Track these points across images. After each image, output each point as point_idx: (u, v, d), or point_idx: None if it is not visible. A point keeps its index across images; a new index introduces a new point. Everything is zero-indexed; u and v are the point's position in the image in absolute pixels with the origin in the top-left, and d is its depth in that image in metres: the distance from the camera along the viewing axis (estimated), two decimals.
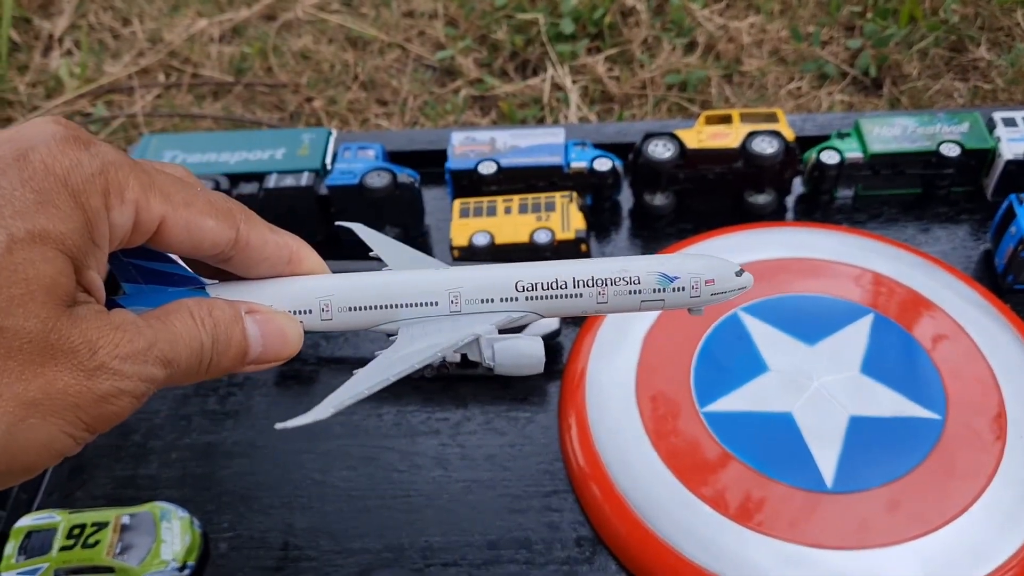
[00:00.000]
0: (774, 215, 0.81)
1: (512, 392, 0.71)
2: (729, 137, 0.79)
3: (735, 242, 0.76)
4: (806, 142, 0.83)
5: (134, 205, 0.32)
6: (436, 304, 0.38)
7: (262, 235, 0.37)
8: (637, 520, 0.60)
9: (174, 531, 0.62)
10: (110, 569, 0.59)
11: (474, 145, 0.83)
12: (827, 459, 0.61)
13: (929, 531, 0.57)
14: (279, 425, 0.34)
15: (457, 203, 0.77)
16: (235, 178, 0.80)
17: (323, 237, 0.81)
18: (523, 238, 0.74)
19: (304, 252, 0.38)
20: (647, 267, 0.39)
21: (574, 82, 0.99)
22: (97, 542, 0.60)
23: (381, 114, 1.01)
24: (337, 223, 0.46)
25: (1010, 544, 0.56)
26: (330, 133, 0.84)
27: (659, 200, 0.82)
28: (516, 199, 0.77)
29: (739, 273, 0.40)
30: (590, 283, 0.39)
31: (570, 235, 0.74)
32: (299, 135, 0.84)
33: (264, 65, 1.08)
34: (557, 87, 0.99)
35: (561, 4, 1.04)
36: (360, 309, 0.38)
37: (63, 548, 0.60)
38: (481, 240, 0.74)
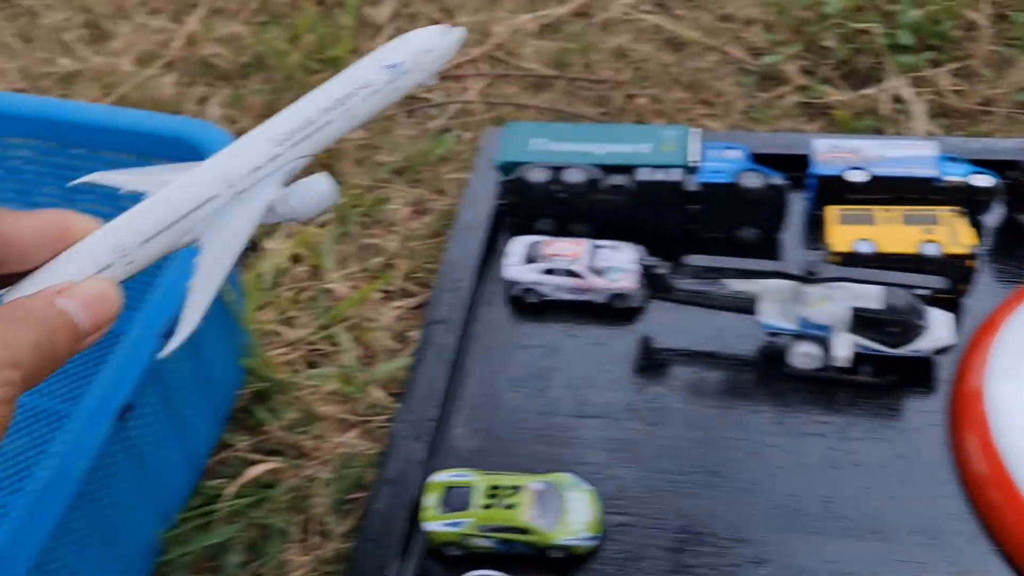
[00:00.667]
0: None
1: (892, 403, 0.70)
2: None
3: None
4: None
5: None
6: (218, 196, 0.39)
7: (13, 223, 0.36)
8: None
9: (581, 501, 0.65)
10: (525, 531, 0.63)
11: (839, 152, 0.83)
12: None
13: None
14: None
15: (835, 209, 0.77)
16: (606, 169, 0.83)
17: (679, 232, 0.82)
18: (910, 248, 0.73)
19: (72, 219, 0.37)
20: (372, 65, 0.41)
21: (917, 94, 0.97)
22: (514, 504, 0.63)
23: (706, 114, 1.03)
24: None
25: None
26: (688, 131, 0.86)
27: None
28: (898, 210, 0.76)
29: (447, 32, 0.43)
30: (334, 105, 0.40)
31: (961, 249, 0.72)
32: (659, 131, 0.86)
33: (583, 60, 1.11)
34: (896, 99, 0.97)
35: (900, 15, 1.02)
36: (154, 236, 0.38)
37: (484, 506, 0.63)
38: (864, 248, 0.74)
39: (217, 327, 0.73)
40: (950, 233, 0.74)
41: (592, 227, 0.84)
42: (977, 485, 0.64)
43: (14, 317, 0.33)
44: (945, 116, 0.97)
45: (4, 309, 0.34)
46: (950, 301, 0.75)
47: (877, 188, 0.80)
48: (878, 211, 0.76)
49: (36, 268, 0.36)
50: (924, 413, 0.69)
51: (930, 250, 0.73)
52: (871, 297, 0.69)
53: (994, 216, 0.82)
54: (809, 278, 0.69)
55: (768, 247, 0.82)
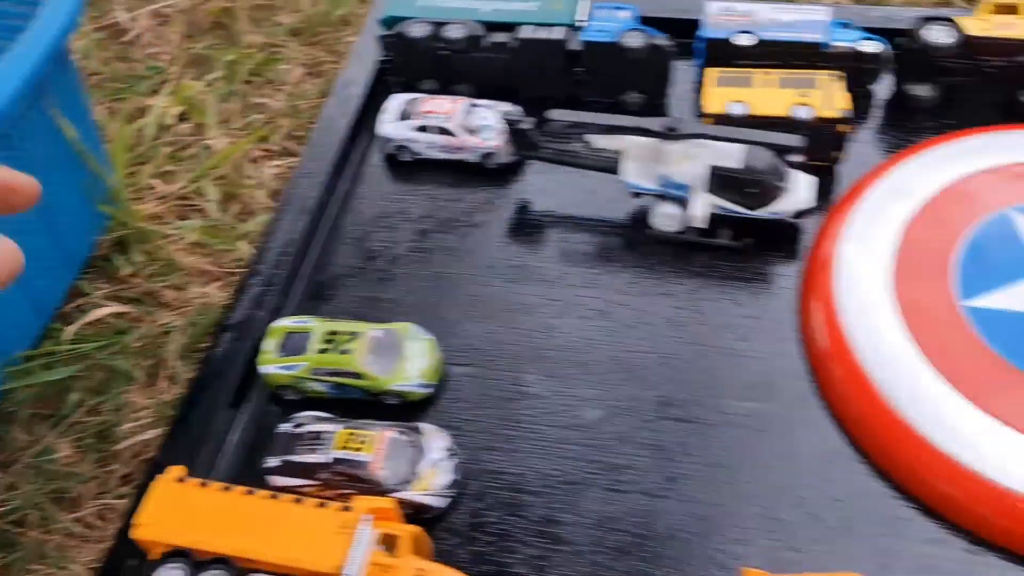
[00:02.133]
0: None
1: (751, 267, 0.69)
2: (1016, 28, 0.73)
3: (1004, 141, 0.70)
4: None
5: None
6: None
7: None
8: (884, 406, 0.58)
9: (419, 351, 0.64)
10: (359, 375, 0.62)
11: (731, 16, 0.80)
12: None
13: None
14: None
15: (714, 71, 0.75)
16: (491, 27, 0.80)
17: (564, 96, 0.80)
18: (782, 111, 0.71)
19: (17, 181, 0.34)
20: None
21: None
22: (350, 350, 0.63)
23: None
24: None
25: None
26: None
27: (923, 91, 0.77)
28: (777, 73, 0.74)
29: None
30: None
31: (833, 113, 0.70)
32: None
33: None
34: None
35: None
36: None
37: (320, 351, 0.63)
38: (737, 110, 0.72)
39: (65, 170, 0.72)
40: (824, 97, 0.71)
41: (474, 87, 0.82)
42: (818, 354, 0.63)
43: None
44: None
45: None
46: (826, 169, 0.73)
47: (764, 52, 0.78)
48: (757, 74, 0.74)
49: None
50: (779, 277, 0.68)
51: (801, 113, 0.71)
52: (731, 156, 0.67)
53: (885, 86, 0.80)
54: (669, 135, 0.68)
55: (655, 113, 0.80)
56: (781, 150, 0.67)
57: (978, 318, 0.60)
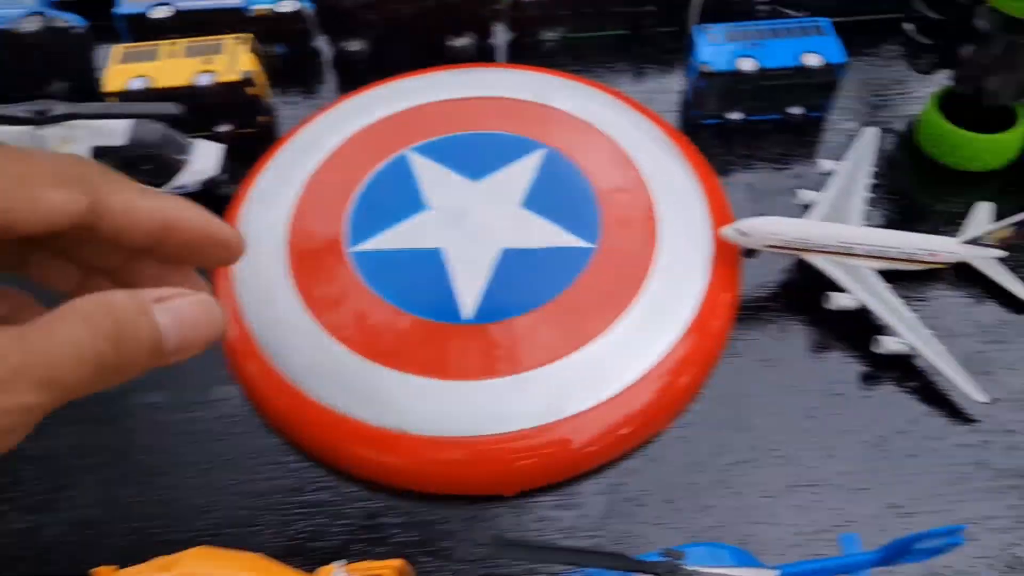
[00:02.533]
0: (477, 59, 0.77)
1: None
2: None
3: (423, 83, 0.71)
4: None
5: None
6: None
7: (127, 200, 0.30)
8: (266, 363, 0.56)
9: None
10: None
11: None
12: (471, 292, 0.58)
13: (558, 357, 0.55)
14: None
15: (120, 48, 0.70)
16: None
17: None
18: (183, 81, 0.68)
19: (185, 214, 0.31)
20: None
21: None
22: None
23: None
24: None
25: (639, 365, 0.55)
26: None
27: (355, 46, 0.77)
28: (184, 42, 0.70)
29: None
30: None
31: (235, 76, 0.68)
32: None
33: None
34: None
35: None
36: None
37: None
38: (138, 84, 0.68)
39: None
40: (229, 62, 0.69)
41: None
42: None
43: (84, 319, 0.27)
44: None
45: (86, 304, 0.27)
46: (260, 135, 0.71)
47: (185, 24, 0.74)
48: (164, 46, 0.70)
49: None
50: None
51: (203, 80, 0.68)
52: (116, 133, 0.63)
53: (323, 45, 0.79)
54: (37, 119, 0.62)
55: (82, 98, 0.74)
56: (161, 119, 0.64)
57: (361, 262, 0.60)
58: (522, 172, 0.64)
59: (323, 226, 0.62)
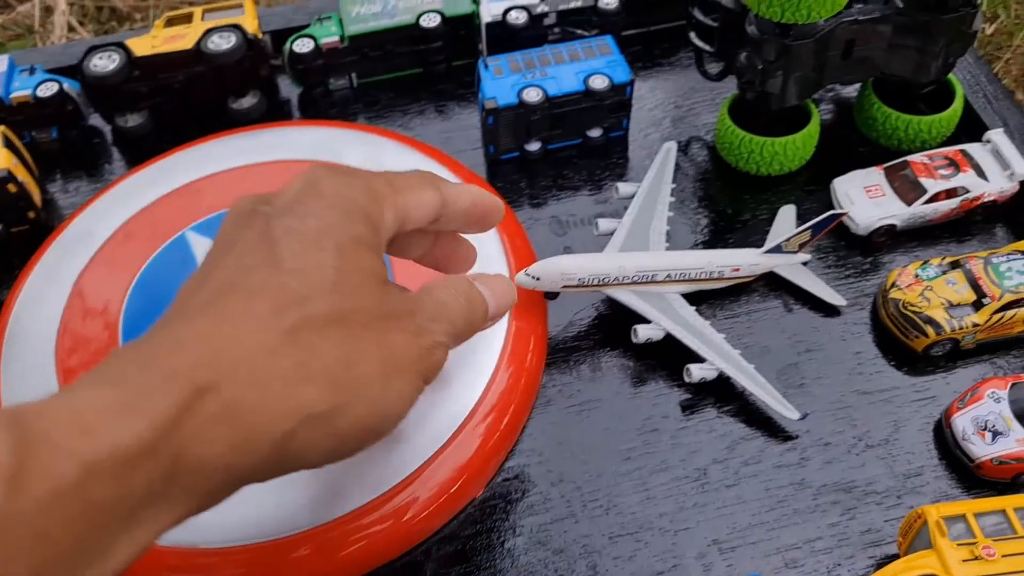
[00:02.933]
0: (266, 118, 0.74)
1: None
2: (185, 38, 0.70)
3: (203, 153, 0.67)
4: (291, 33, 0.75)
5: (393, 206, 0.40)
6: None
7: (456, 191, 0.43)
8: None
9: None
10: None
11: None
12: None
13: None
14: None
15: None
16: None
17: None
18: None
19: (481, 196, 0.45)
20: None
21: (69, 2, 0.86)
22: None
23: None
24: None
25: (436, 440, 0.52)
26: None
27: (132, 121, 0.72)
28: None
29: None
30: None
31: None
32: None
33: None
34: (47, 9, 0.86)
35: None
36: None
37: None
38: None
39: None
40: None
41: None
42: None
43: (453, 289, 0.42)
44: (111, 20, 0.88)
45: (441, 281, 0.42)
46: (37, 232, 0.66)
47: None
48: None
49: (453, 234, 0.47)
50: None
51: None
52: None
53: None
54: None
55: None
56: None
57: None
58: None
59: (95, 331, 0.57)
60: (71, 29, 0.85)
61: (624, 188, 0.63)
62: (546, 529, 0.52)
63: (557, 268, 0.55)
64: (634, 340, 0.57)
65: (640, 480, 0.54)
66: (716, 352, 0.56)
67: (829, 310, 0.61)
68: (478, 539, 0.52)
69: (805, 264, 0.62)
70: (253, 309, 0.34)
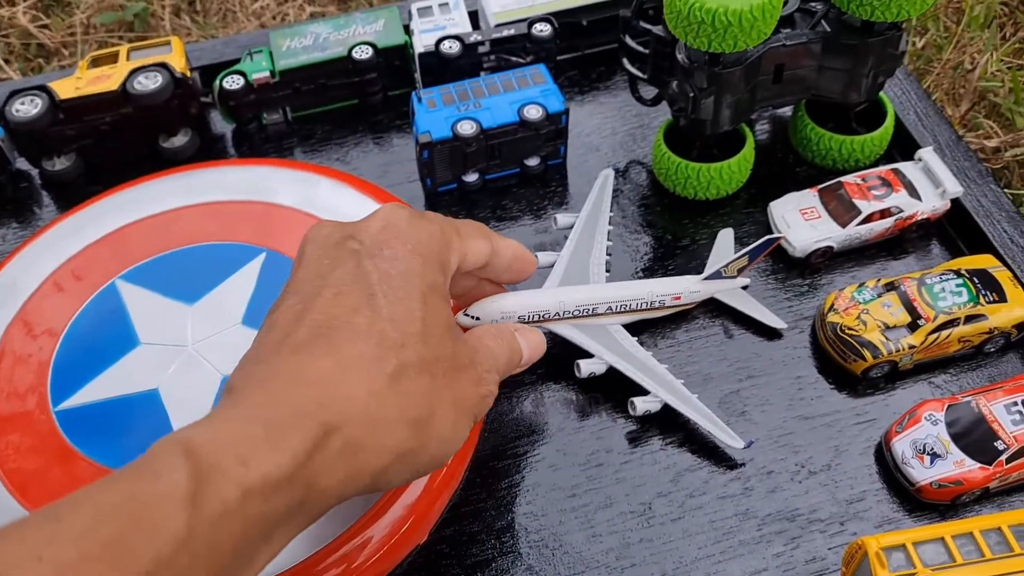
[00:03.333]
0: (199, 155, 0.72)
1: None
2: (111, 79, 0.68)
3: (132, 197, 0.65)
4: (222, 69, 0.73)
5: (458, 251, 0.46)
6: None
7: (503, 244, 0.49)
8: None
9: None
10: None
11: None
12: None
13: None
14: None
15: None
16: None
17: None
18: None
19: (521, 251, 0.51)
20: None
21: None
22: None
23: None
24: None
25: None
26: None
27: (60, 164, 0.70)
28: None
29: None
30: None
31: None
32: None
33: None
34: None
35: None
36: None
37: None
38: None
39: None
40: None
41: None
42: None
43: (501, 340, 0.48)
44: (39, 56, 0.86)
45: (490, 331, 0.49)
46: None
47: None
48: None
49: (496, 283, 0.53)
50: None
51: None
52: None
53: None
54: None
55: None
56: None
57: (67, 423, 0.54)
58: (241, 285, 0.60)
59: (21, 389, 0.56)
60: None
61: (563, 219, 0.63)
62: (492, 572, 0.52)
63: (497, 307, 0.54)
64: (577, 375, 0.57)
65: (585, 517, 0.53)
66: (659, 383, 0.56)
67: (770, 334, 0.61)
68: None
69: (745, 288, 0.62)
70: (362, 352, 0.40)
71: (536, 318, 0.56)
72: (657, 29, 0.63)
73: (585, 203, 0.64)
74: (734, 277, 0.61)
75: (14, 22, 0.86)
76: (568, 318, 0.57)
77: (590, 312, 0.57)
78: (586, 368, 0.56)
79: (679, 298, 0.60)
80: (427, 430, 0.40)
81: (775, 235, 0.61)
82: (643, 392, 0.56)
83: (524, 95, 0.67)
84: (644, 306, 0.59)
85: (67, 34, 0.86)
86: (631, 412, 0.56)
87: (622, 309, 0.58)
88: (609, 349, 0.57)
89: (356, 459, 0.38)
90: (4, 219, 0.70)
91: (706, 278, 0.60)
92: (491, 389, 0.45)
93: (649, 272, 0.65)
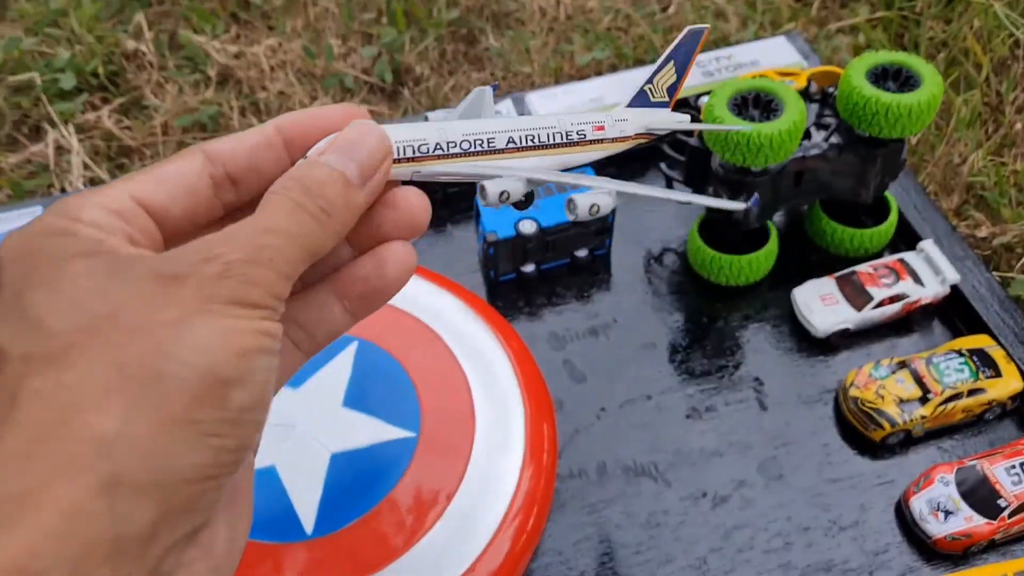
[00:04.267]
0: None
1: None
2: None
3: None
4: None
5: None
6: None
7: (224, 147, 0.34)
8: None
9: None
10: None
11: None
12: (308, 505, 0.61)
13: (398, 554, 0.59)
14: None
15: None
16: None
17: None
18: None
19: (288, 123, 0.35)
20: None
21: (81, 141, 0.93)
22: None
23: None
24: None
25: (473, 548, 0.60)
26: None
27: None
28: None
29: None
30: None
31: None
32: None
33: None
34: (65, 149, 0.93)
35: (55, 59, 0.98)
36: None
37: None
38: None
39: None
40: None
41: None
42: None
43: (264, 203, 0.31)
44: (121, 156, 0.95)
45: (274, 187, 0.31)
46: None
47: None
48: None
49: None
50: None
51: None
52: None
53: None
54: None
55: None
56: None
57: None
58: (339, 369, 0.68)
59: None
60: (86, 167, 0.91)
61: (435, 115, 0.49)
62: None
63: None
64: (482, 201, 0.40)
65: (650, 571, 0.62)
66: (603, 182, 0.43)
67: (798, 404, 0.70)
68: None
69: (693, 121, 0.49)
70: None
71: (408, 153, 0.37)
72: (692, 141, 0.73)
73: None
74: (666, 102, 0.47)
75: (99, 124, 0.95)
76: (455, 155, 0.39)
77: (485, 146, 0.40)
78: (492, 189, 0.39)
79: (602, 128, 0.44)
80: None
81: (699, 26, 0.47)
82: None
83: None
84: (558, 139, 0.42)
85: (148, 135, 0.95)
86: (481, 198, 0.40)
87: (530, 143, 0.41)
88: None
89: None
90: None
91: (630, 105, 0.47)
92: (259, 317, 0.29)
93: (686, 352, 0.74)
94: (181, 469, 0.27)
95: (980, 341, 0.69)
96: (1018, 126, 0.92)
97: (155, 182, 0.31)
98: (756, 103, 0.68)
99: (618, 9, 1.11)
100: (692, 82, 0.85)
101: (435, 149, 0.38)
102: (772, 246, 0.75)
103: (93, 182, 0.90)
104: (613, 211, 0.76)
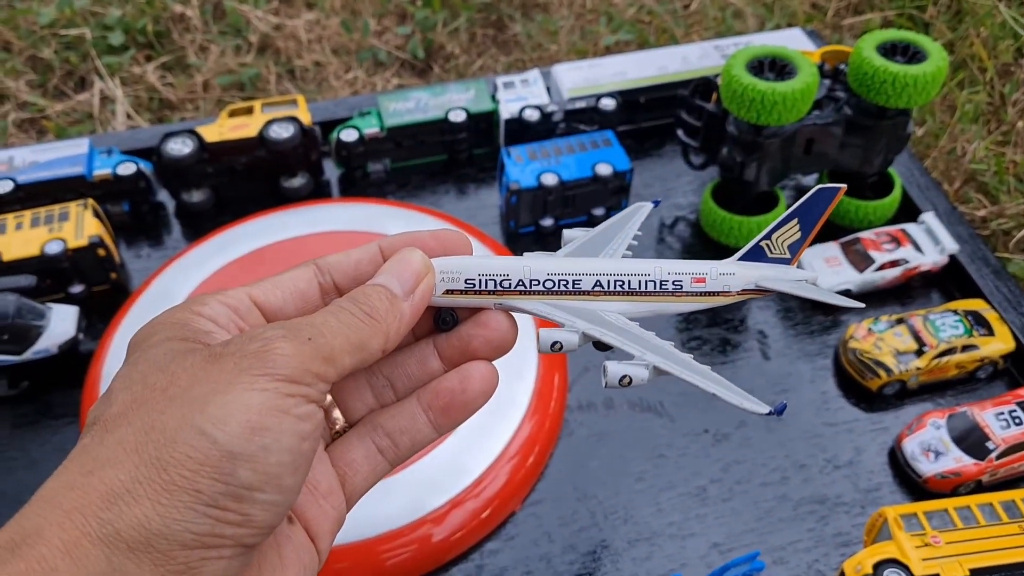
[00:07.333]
0: (313, 195, 0.85)
1: (39, 408, 0.69)
2: (249, 127, 0.81)
3: (261, 226, 0.78)
4: (335, 124, 0.87)
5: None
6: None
7: (267, 296, 0.36)
8: None
9: None
10: None
11: None
12: None
13: (414, 459, 0.62)
14: None
15: None
16: None
17: None
18: (33, 251, 0.72)
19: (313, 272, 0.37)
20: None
21: (125, 94, 0.97)
22: None
23: None
24: None
25: (488, 453, 0.63)
26: None
27: (196, 197, 0.83)
28: (28, 213, 0.75)
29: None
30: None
31: (83, 242, 0.73)
32: None
33: None
34: (109, 100, 0.97)
35: (107, 16, 1.03)
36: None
37: None
38: None
39: None
40: (75, 228, 0.74)
41: None
42: None
43: (340, 312, 0.33)
44: (161, 109, 0.99)
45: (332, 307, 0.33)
46: (116, 290, 0.76)
47: (30, 196, 0.79)
48: (11, 218, 0.75)
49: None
50: (58, 407, 0.69)
51: (54, 248, 0.72)
52: None
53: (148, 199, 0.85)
54: None
55: None
56: (18, 291, 0.68)
57: None
58: None
59: None
60: (129, 116, 0.96)
61: (570, 234, 0.43)
62: (575, 536, 0.63)
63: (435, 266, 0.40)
64: (537, 349, 0.39)
65: (651, 496, 0.65)
66: (663, 355, 0.40)
67: (800, 357, 0.73)
68: (519, 542, 0.62)
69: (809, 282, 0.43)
70: None
71: (493, 286, 0.39)
72: (710, 106, 0.77)
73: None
74: (786, 258, 0.42)
75: (144, 79, 1.00)
76: (538, 292, 0.39)
77: (569, 287, 0.40)
78: (547, 337, 0.38)
79: (702, 280, 0.41)
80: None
81: (832, 185, 0.41)
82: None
83: (595, 155, 0.80)
84: (651, 287, 0.41)
85: (189, 91, 1.00)
86: (604, 380, 0.38)
87: (618, 289, 0.41)
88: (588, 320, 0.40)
89: None
90: (142, 240, 0.82)
91: (742, 257, 0.42)
92: (301, 402, 0.30)
93: (690, 322, 0.77)
94: (176, 534, 0.28)
95: (975, 304, 0.73)
96: (1020, 124, 0.96)
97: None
98: (772, 67, 0.73)
99: (642, 5, 1.16)
100: (711, 63, 0.90)
101: (516, 285, 0.40)
102: (780, 210, 0.79)
103: (133, 129, 0.94)
104: (631, 171, 0.80)
